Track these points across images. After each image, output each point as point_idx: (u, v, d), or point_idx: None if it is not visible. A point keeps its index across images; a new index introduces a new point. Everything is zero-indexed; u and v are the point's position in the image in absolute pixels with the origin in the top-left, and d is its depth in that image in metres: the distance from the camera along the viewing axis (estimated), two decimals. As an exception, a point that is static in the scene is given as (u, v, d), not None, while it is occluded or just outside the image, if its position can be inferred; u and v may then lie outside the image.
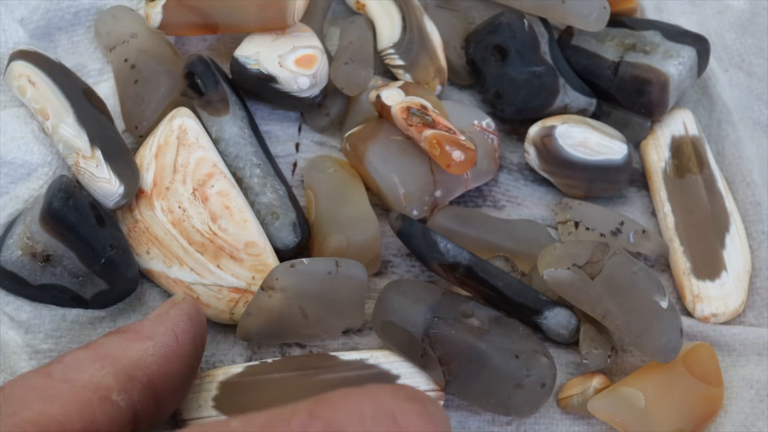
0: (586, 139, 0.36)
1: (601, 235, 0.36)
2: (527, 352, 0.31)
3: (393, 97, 0.35)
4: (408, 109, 0.35)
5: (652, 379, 0.32)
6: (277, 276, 0.32)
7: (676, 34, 0.38)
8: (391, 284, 0.33)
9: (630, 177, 0.38)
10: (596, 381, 0.33)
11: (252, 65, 0.35)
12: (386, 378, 0.32)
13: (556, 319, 0.33)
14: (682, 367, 0.33)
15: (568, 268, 0.32)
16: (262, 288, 0.32)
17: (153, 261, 0.33)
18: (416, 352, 0.32)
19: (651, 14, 0.41)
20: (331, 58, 0.37)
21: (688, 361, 0.33)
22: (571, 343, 0.34)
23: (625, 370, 0.34)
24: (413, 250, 0.33)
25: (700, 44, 0.38)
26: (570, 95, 0.38)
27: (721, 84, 0.40)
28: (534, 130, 0.37)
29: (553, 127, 0.36)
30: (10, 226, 0.32)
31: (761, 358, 0.34)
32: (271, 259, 0.33)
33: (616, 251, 0.32)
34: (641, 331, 0.32)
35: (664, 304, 0.31)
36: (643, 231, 0.36)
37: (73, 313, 0.33)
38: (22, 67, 0.34)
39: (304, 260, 0.32)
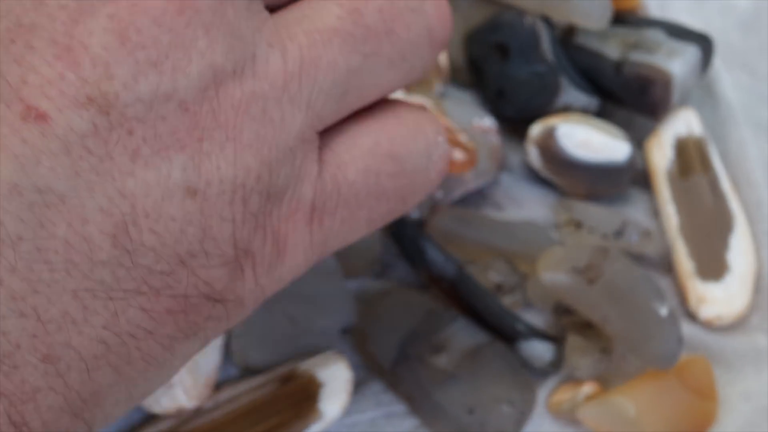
0: (589, 139, 0.36)
1: (603, 236, 0.36)
2: (486, 402, 0.31)
3: (393, 97, 0.35)
4: (408, 108, 0.34)
5: (644, 389, 0.32)
6: None
7: (680, 33, 0.38)
8: (375, 302, 0.33)
9: (633, 177, 0.37)
10: (587, 388, 0.33)
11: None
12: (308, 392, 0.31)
13: (529, 352, 0.33)
14: (676, 379, 0.32)
15: (568, 273, 0.32)
16: None
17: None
18: (384, 375, 0.32)
19: (654, 12, 0.41)
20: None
21: (682, 374, 0.33)
22: (550, 371, 0.34)
23: (621, 377, 0.34)
24: (404, 255, 0.33)
25: (704, 43, 0.37)
26: (572, 94, 0.37)
27: (725, 83, 0.40)
28: (535, 129, 0.36)
29: (554, 127, 0.36)
30: None
31: (760, 375, 0.34)
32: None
33: (616, 256, 0.32)
34: (640, 338, 0.31)
35: (664, 312, 0.31)
36: (646, 232, 0.36)
37: None
38: None
39: None
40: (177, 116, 0.20)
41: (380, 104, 0.25)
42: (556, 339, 0.33)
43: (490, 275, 0.34)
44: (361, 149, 0.24)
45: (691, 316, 0.36)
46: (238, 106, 0.21)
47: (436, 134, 0.26)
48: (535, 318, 0.34)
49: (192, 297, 0.20)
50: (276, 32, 0.22)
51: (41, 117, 0.18)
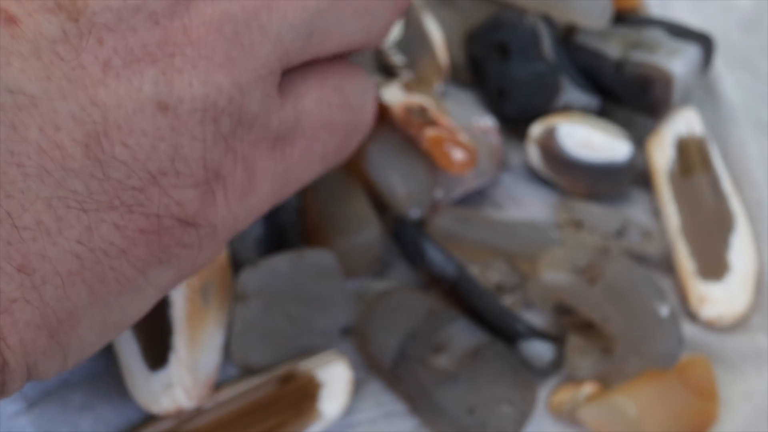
0: (589, 138, 0.36)
1: (604, 235, 0.36)
2: (487, 402, 0.31)
3: (393, 96, 0.35)
4: (408, 108, 0.34)
5: (645, 389, 0.32)
6: (244, 280, 0.31)
7: (681, 32, 0.38)
8: (375, 302, 0.33)
9: (634, 177, 0.37)
10: (587, 388, 0.33)
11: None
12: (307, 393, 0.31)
13: (529, 352, 0.33)
14: (677, 379, 0.32)
15: (569, 272, 0.32)
16: (237, 301, 0.31)
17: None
18: (384, 375, 0.32)
19: (655, 12, 0.41)
20: (330, 57, 0.37)
21: (683, 374, 0.33)
22: (550, 371, 0.34)
23: (622, 377, 0.34)
24: (404, 255, 0.33)
25: (705, 42, 0.37)
26: (573, 94, 0.37)
27: (726, 83, 0.40)
28: (536, 129, 0.36)
29: (555, 126, 0.36)
30: None
31: (761, 375, 0.34)
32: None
33: (617, 256, 0.32)
34: (640, 338, 0.31)
35: (665, 312, 0.31)
36: (647, 232, 0.36)
37: None
38: None
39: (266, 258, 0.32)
40: (148, 29, 0.20)
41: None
42: (557, 339, 0.33)
43: (490, 275, 0.34)
44: (313, 81, 0.25)
45: (692, 316, 0.36)
46: (209, 24, 0.21)
47: (365, 78, 0.27)
48: (535, 318, 0.34)
49: (164, 217, 0.21)
50: None
51: (11, 20, 0.18)
